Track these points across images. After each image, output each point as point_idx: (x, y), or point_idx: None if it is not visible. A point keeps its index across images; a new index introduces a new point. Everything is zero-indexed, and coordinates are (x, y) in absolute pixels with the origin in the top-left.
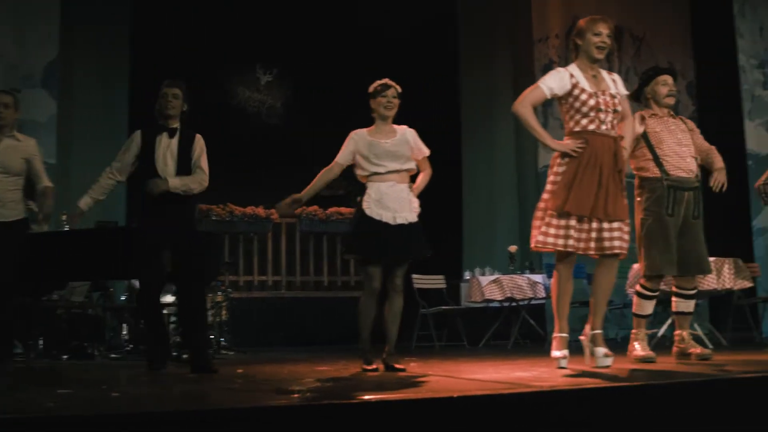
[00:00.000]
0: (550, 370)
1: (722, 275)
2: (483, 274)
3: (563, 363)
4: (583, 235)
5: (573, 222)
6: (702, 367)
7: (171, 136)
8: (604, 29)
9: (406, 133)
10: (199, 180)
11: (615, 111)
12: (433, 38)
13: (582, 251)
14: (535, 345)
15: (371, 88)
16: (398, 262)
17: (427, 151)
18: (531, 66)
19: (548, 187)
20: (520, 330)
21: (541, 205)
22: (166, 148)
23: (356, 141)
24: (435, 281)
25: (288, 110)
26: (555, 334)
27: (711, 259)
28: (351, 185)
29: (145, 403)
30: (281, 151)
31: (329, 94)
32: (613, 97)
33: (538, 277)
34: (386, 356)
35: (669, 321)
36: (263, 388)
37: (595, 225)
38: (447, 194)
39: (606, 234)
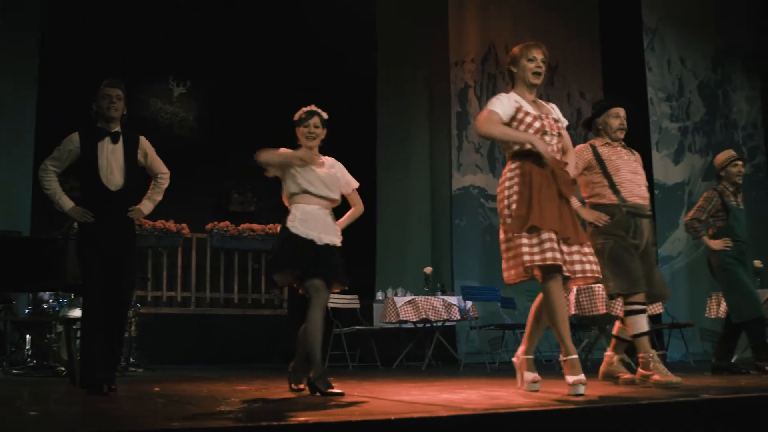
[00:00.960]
0: (477, 392)
1: None
2: (396, 295)
3: (580, 390)
4: (564, 253)
5: (545, 236)
6: (652, 391)
7: (114, 141)
8: (538, 54)
9: (335, 165)
10: (164, 188)
11: (559, 134)
12: (350, 61)
13: (561, 262)
14: (448, 367)
15: (296, 116)
16: (328, 280)
17: (355, 184)
18: (447, 89)
19: (505, 212)
20: (434, 352)
21: (503, 237)
22: (110, 154)
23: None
24: (349, 301)
25: (200, 123)
26: (563, 357)
27: None
28: (261, 202)
29: (80, 422)
30: (192, 164)
31: (242, 109)
32: (556, 121)
33: (453, 299)
34: (316, 379)
35: (583, 344)
36: (191, 409)
37: (564, 248)
38: (362, 215)
39: (578, 257)
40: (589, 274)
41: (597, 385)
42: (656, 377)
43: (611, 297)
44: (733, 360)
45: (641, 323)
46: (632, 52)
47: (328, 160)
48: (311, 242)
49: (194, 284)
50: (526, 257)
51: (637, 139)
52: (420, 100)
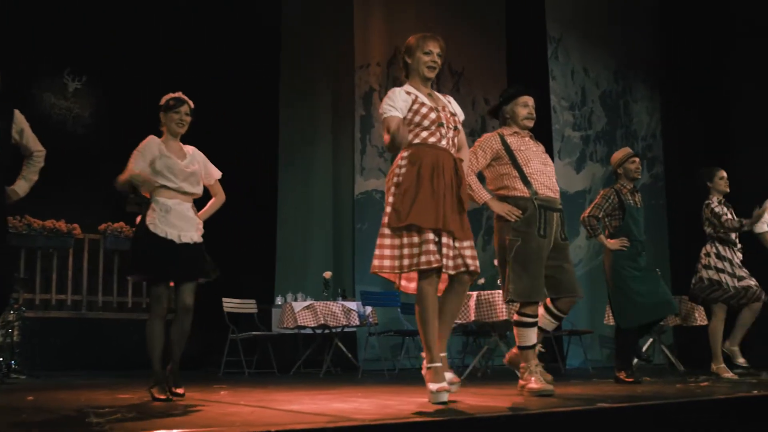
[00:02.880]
0: (370, 401)
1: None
2: (296, 300)
3: (443, 397)
4: (444, 251)
5: (427, 237)
6: (546, 401)
7: None
8: (434, 48)
9: (196, 155)
10: (39, 168)
11: (455, 128)
12: (254, 62)
13: (438, 263)
14: (348, 374)
15: (163, 101)
16: (186, 281)
17: (218, 174)
18: (351, 93)
19: (389, 200)
20: (332, 358)
21: (384, 222)
22: None
23: (152, 148)
24: (246, 305)
25: (96, 120)
26: (427, 365)
27: None
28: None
29: None
30: (86, 162)
31: (141, 106)
32: (452, 114)
33: (352, 305)
34: (168, 376)
35: (483, 350)
36: (53, 421)
37: (445, 240)
38: (261, 218)
39: (462, 252)
40: (471, 268)
41: (495, 394)
42: (531, 385)
43: (508, 302)
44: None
45: (530, 336)
46: (536, 61)
47: (189, 150)
48: (170, 242)
49: (86, 287)
50: (405, 260)
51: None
52: (324, 103)
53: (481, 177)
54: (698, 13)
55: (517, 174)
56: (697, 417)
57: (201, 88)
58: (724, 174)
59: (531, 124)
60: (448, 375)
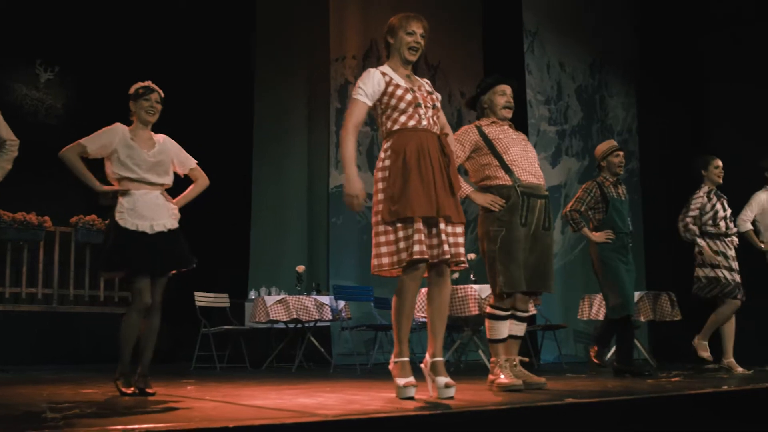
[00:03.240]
0: (336, 396)
1: None
2: (269, 294)
3: (409, 392)
4: (434, 241)
5: (417, 227)
6: (519, 395)
7: None
8: (417, 28)
9: (167, 143)
10: (13, 157)
11: (434, 107)
12: (229, 54)
13: (433, 258)
14: (320, 368)
15: (132, 89)
16: (162, 274)
17: (192, 163)
18: (326, 85)
19: (378, 197)
20: (305, 353)
21: (376, 219)
22: None
23: (117, 134)
24: (218, 299)
25: (69, 111)
26: (395, 359)
27: None
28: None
29: None
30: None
31: (115, 98)
32: (430, 93)
33: (325, 299)
34: (138, 378)
35: (456, 345)
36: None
37: (442, 226)
38: (235, 211)
39: (451, 239)
40: (455, 258)
41: (464, 389)
42: (499, 380)
43: (503, 295)
44: (607, 357)
45: (502, 330)
46: (513, 54)
47: (160, 139)
48: (142, 234)
49: (57, 281)
50: (403, 254)
51: None
52: (299, 95)
53: (463, 172)
54: (674, 8)
55: (497, 163)
56: (665, 412)
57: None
58: (720, 163)
59: (509, 113)
60: (442, 379)
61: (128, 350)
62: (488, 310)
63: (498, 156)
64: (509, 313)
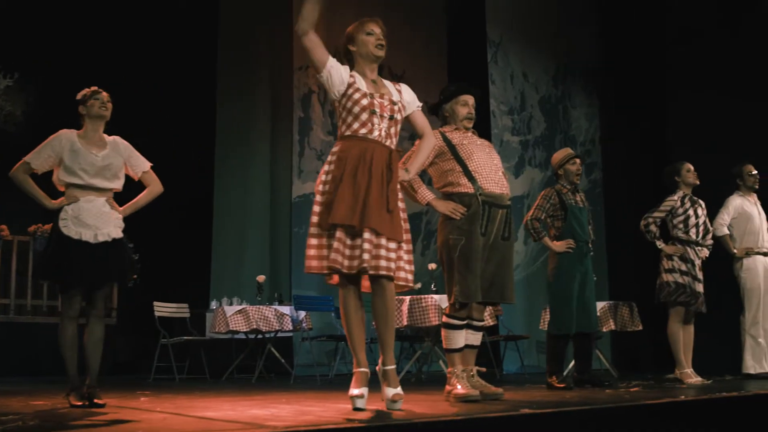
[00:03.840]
0: (290, 408)
1: None
2: (230, 304)
3: (359, 403)
4: (356, 252)
5: (340, 235)
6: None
7: None
8: (375, 28)
9: (118, 145)
10: None
11: (391, 118)
12: (191, 62)
13: (347, 269)
14: (281, 379)
15: (80, 95)
16: (99, 287)
17: (146, 166)
18: (290, 94)
19: (317, 198)
20: (266, 364)
21: (311, 220)
22: None
23: (60, 141)
24: (178, 310)
25: (29, 119)
26: (354, 369)
27: None
28: None
29: None
30: (17, 162)
31: (75, 105)
32: (393, 103)
33: (285, 309)
34: (87, 389)
35: (416, 355)
36: None
37: (368, 236)
38: (196, 221)
39: (375, 251)
40: (373, 272)
41: (422, 400)
42: (456, 390)
43: (460, 305)
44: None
45: (458, 339)
46: (477, 64)
47: (111, 140)
48: (85, 244)
49: (14, 291)
50: (324, 261)
51: None
52: (262, 104)
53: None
54: (636, 19)
55: (460, 169)
56: (622, 423)
57: (136, 87)
58: (691, 167)
59: (470, 125)
60: (390, 391)
61: (71, 362)
62: (444, 319)
63: (461, 162)
64: (465, 322)
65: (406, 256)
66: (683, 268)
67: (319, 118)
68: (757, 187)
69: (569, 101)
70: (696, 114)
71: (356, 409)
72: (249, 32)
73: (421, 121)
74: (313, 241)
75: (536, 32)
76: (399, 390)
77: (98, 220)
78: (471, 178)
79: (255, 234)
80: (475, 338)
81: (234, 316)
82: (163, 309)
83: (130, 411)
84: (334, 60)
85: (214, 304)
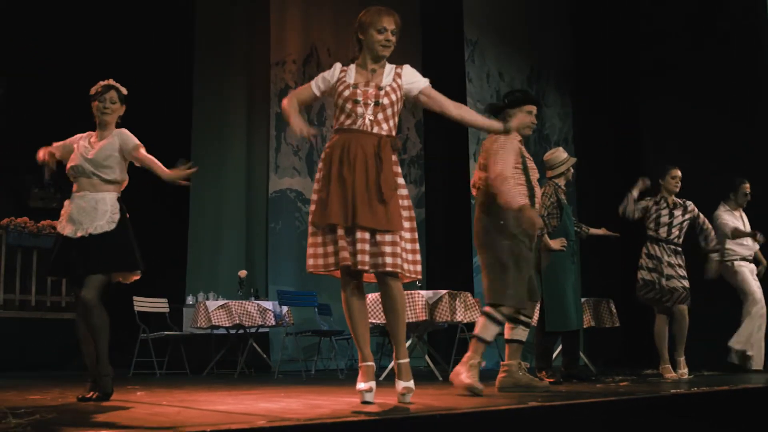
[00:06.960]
0: (297, 401)
1: (454, 308)
2: (208, 299)
3: (368, 397)
4: (352, 248)
5: (341, 233)
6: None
7: None
8: (389, 25)
9: (115, 139)
10: None
11: (377, 104)
12: (167, 56)
13: (353, 266)
14: (262, 375)
15: (93, 90)
16: (84, 275)
17: (143, 151)
18: (267, 90)
19: (314, 197)
20: (246, 359)
21: (309, 219)
22: None
23: (76, 142)
24: (157, 304)
25: None
26: (360, 363)
27: (442, 292)
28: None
29: None
30: None
31: (45, 99)
32: (378, 88)
33: (268, 304)
34: (92, 380)
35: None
36: None
37: (360, 236)
38: (172, 215)
39: (377, 248)
40: (380, 269)
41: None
42: (462, 378)
43: (514, 319)
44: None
45: (493, 333)
46: (453, 63)
47: (113, 135)
48: (66, 239)
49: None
50: (330, 258)
51: (456, 148)
52: (238, 99)
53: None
54: (609, 19)
55: (524, 180)
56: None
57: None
58: (678, 173)
59: (530, 132)
60: (401, 383)
61: (86, 353)
62: (488, 309)
63: (527, 176)
64: (504, 321)
65: (408, 246)
66: (650, 264)
67: None
68: (744, 206)
69: (543, 100)
70: (668, 113)
71: (365, 403)
72: (226, 28)
73: (439, 97)
74: (311, 240)
75: (512, 32)
76: (410, 383)
77: (85, 217)
78: (531, 195)
79: (231, 229)
80: (524, 334)
81: (216, 311)
82: (142, 304)
83: (139, 405)
84: (315, 80)
85: (190, 299)
